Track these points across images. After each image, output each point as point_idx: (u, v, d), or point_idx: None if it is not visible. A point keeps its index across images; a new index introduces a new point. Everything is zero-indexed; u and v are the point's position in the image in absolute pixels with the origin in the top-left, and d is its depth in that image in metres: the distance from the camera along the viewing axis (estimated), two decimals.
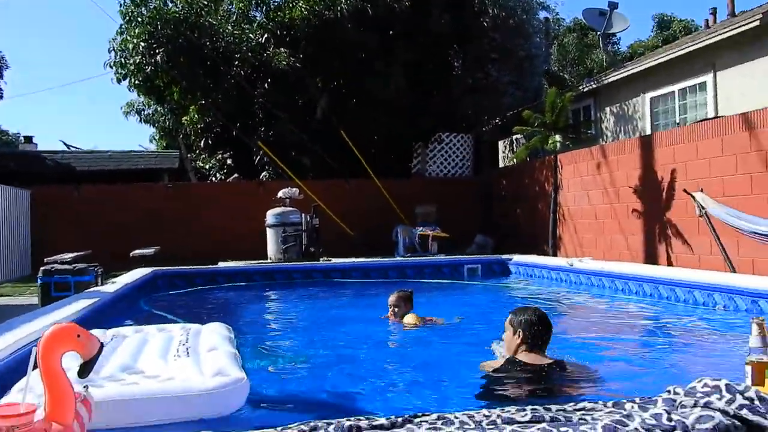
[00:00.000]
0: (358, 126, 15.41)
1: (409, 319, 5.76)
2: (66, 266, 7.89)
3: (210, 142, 17.47)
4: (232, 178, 17.03)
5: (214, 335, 3.83)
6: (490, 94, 16.75)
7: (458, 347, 5.21)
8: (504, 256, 11.00)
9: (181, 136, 19.11)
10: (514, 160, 14.22)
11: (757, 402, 2.06)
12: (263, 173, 16.64)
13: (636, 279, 7.47)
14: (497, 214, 15.17)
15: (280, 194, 13.10)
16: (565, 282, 9.06)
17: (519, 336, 3.63)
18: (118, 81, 15.24)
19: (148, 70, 14.84)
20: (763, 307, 5.76)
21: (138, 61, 14.78)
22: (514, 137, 16.14)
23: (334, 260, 11.75)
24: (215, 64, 15.10)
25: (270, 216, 12.54)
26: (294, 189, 13.32)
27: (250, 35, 15.25)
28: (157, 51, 14.64)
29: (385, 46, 15.35)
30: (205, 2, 15.50)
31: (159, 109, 19.42)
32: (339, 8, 14.58)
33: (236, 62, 15.41)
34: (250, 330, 6.24)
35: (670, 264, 9.22)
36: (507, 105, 16.62)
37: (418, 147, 16.72)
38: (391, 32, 15.50)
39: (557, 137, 11.38)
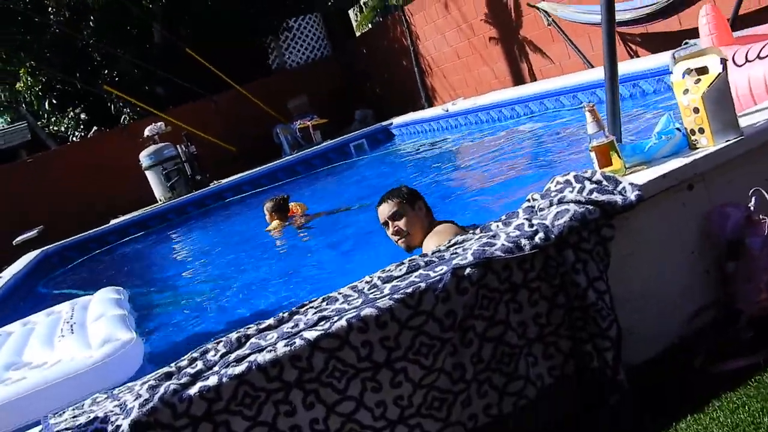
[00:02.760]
0: (202, 39, 14.58)
1: (272, 225, 5.85)
2: None
3: (55, 101, 16.20)
4: (92, 132, 16.01)
5: (101, 303, 3.70)
6: None
7: (329, 241, 5.29)
8: (384, 123, 11.03)
9: (23, 106, 17.64)
10: (368, 24, 13.90)
11: (604, 182, 2.16)
12: (123, 118, 15.70)
13: (506, 104, 7.67)
14: (368, 84, 15.01)
15: (146, 133, 12.44)
16: (447, 129, 9.22)
17: (423, 206, 3.24)
18: None
19: None
20: (623, 92, 6.04)
21: None
22: (362, 1, 15.70)
23: (224, 181, 11.49)
24: (27, 17, 13.73)
25: (144, 158, 11.97)
26: (159, 123, 12.67)
27: None
28: None
29: None
30: None
31: None
32: None
33: (50, 9, 14.06)
34: (152, 281, 6.12)
35: (534, 80, 9.44)
36: None
37: (270, 41, 16.06)
38: None
39: None
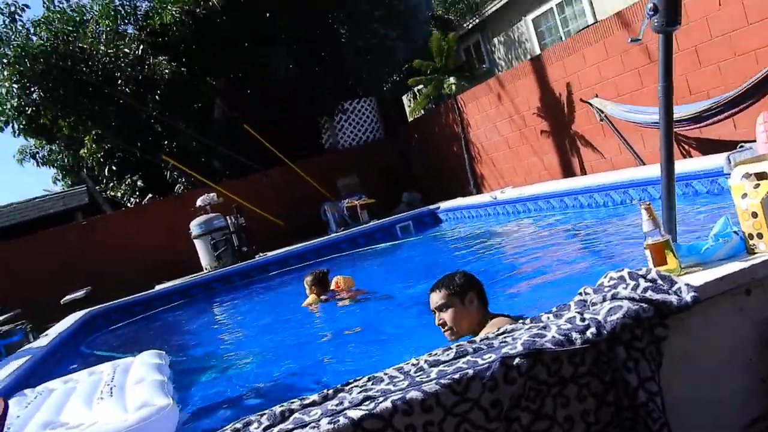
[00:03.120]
0: (259, 116, 15.16)
1: (308, 300, 5.90)
2: None
3: (115, 168, 16.89)
4: (147, 199, 16.55)
5: (143, 366, 3.76)
6: (382, 53, 16.72)
7: (371, 317, 5.30)
8: (431, 207, 11.12)
9: (84, 170, 18.40)
10: (421, 111, 14.27)
11: (659, 281, 2.14)
12: (177, 187, 16.22)
13: (555, 195, 7.69)
14: (417, 168, 15.26)
15: (198, 203, 12.80)
16: (493, 216, 9.25)
17: (474, 299, 3.13)
18: (0, 130, 14.55)
19: (29, 111, 14.15)
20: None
21: (15, 104, 14.09)
22: (416, 89, 16.20)
23: (270, 254, 11.64)
24: (98, 88, 14.52)
25: (194, 227, 12.27)
26: (212, 194, 13.03)
27: (126, 50, 14.69)
28: (32, 89, 13.96)
29: (266, 28, 15.06)
30: (70, 28, 14.84)
31: (53, 147, 18.63)
32: (210, 3, 14.18)
33: (119, 81, 14.86)
34: (193, 348, 6.16)
35: (584, 173, 9.48)
36: (400, 60, 16.64)
37: (324, 122, 16.58)
38: (267, 14, 15.19)
39: (451, 79, 11.46)
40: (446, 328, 3.09)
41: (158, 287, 11.13)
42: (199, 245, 12.15)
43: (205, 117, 15.94)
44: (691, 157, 7.56)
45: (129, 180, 17.07)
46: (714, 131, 7.21)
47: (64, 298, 11.63)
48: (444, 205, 10.90)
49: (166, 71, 14.02)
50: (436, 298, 3.12)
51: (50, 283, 12.90)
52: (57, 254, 13.63)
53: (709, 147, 7.37)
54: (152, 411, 2.89)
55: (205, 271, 11.98)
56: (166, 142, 15.88)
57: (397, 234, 10.59)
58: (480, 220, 9.58)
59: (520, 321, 2.27)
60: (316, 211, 14.00)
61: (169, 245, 13.46)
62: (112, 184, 17.65)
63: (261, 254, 11.79)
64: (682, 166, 6.05)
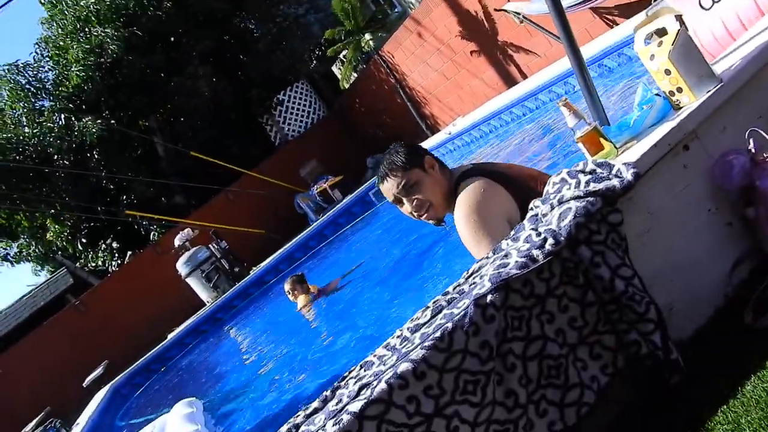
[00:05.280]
0: (202, 138, 14.99)
1: (300, 302, 5.88)
2: None
3: (85, 240, 16.70)
4: (127, 258, 16.40)
5: (176, 420, 3.79)
6: (298, 32, 16.48)
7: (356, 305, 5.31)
8: None
9: (58, 253, 18.20)
10: (353, 75, 14.12)
11: (598, 170, 2.13)
12: (152, 235, 16.07)
13: (503, 110, 7.67)
14: (370, 131, 15.16)
15: (176, 242, 12.70)
16: (456, 149, 9.23)
17: (434, 163, 2.55)
18: None
19: None
20: (609, 64, 6.00)
21: None
22: (341, 56, 15.99)
23: (261, 266, 11.60)
24: (38, 170, 14.28)
25: (181, 267, 12.19)
26: (186, 230, 12.92)
27: (50, 125, 14.40)
28: None
29: (176, 53, 14.79)
30: None
31: (20, 242, 18.39)
32: (110, 49, 13.87)
33: (55, 156, 14.61)
34: (219, 383, 6.18)
35: (525, 77, 9.43)
36: (318, 32, 16.41)
37: (267, 120, 16.41)
38: (171, 38, 14.91)
39: (367, 36, 11.32)
40: (423, 209, 2.47)
41: (170, 336, 11.09)
42: (193, 282, 12.10)
43: (150, 159, 15.74)
44: (617, 25, 7.52)
45: (103, 245, 16.90)
46: None
47: (86, 380, 11.58)
48: None
49: (95, 130, 13.76)
50: (394, 182, 2.46)
51: (67, 370, 12.85)
52: (63, 341, 13.55)
53: (632, 9, 7.31)
54: None
55: (207, 304, 11.93)
56: (123, 197, 15.70)
57: (372, 200, 10.54)
58: (444, 158, 9.55)
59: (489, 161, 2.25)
60: (292, 208, 13.92)
61: (164, 293, 13.40)
62: (89, 255, 17.47)
63: (253, 269, 11.75)
64: (590, 48, 6.05)
